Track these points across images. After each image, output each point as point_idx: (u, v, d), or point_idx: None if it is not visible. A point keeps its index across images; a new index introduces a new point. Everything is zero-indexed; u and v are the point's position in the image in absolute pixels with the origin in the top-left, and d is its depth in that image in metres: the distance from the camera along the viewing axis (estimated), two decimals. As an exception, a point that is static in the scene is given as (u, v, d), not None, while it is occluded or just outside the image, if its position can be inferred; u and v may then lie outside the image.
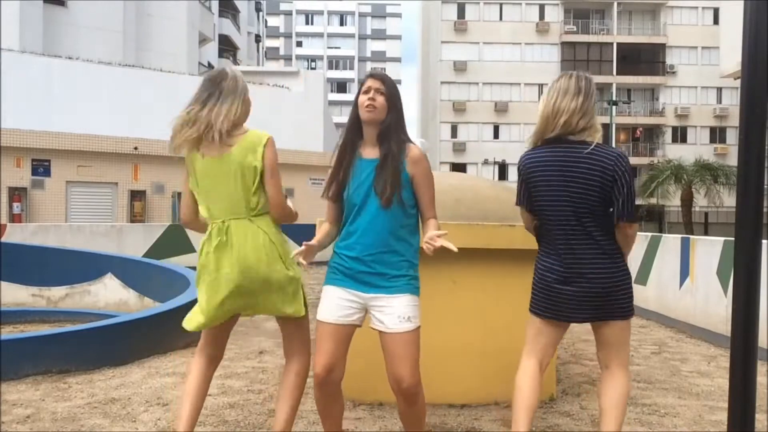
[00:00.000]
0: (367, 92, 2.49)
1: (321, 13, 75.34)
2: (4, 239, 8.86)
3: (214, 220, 2.60)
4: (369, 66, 74.69)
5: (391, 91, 2.50)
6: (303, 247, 2.46)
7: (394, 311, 2.42)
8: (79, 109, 16.40)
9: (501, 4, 44.41)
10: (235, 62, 36.45)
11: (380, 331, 2.46)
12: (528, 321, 2.62)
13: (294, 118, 18.99)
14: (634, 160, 43.07)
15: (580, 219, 2.45)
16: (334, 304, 2.49)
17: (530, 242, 2.77)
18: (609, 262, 2.47)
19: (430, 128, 46.77)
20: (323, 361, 2.44)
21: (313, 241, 2.53)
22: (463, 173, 4.61)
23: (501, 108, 43.09)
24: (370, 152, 2.53)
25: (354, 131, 2.55)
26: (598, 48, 43.78)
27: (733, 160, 32.85)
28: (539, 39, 43.99)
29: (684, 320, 6.46)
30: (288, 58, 71.74)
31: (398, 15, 77.11)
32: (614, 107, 34.03)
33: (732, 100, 42.30)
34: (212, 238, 2.57)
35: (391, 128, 2.49)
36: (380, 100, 2.47)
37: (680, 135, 43.81)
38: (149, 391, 3.92)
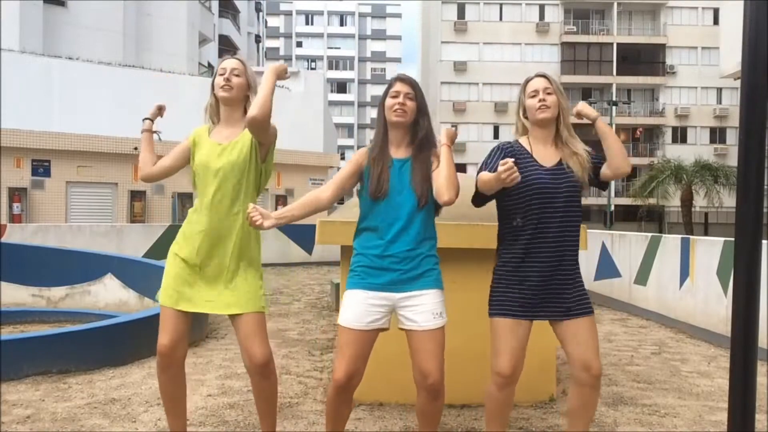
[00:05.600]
0: (396, 96, 2.52)
1: (321, 13, 75.27)
2: (4, 239, 8.86)
3: None
4: (369, 66, 74.71)
5: (419, 95, 2.56)
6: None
7: (426, 308, 2.44)
8: (79, 109, 16.38)
9: (501, 5, 44.40)
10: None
11: (409, 330, 2.46)
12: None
13: (294, 118, 18.96)
14: (634, 161, 43.02)
15: None
16: (362, 309, 2.46)
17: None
18: None
19: (430, 128, 46.72)
20: (346, 367, 2.44)
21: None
22: (463, 173, 4.58)
23: (501, 108, 43.05)
24: (396, 152, 2.57)
25: (383, 134, 2.58)
26: (598, 48, 43.77)
27: (733, 161, 32.85)
28: (539, 39, 43.98)
29: (684, 320, 6.46)
30: (288, 59, 71.67)
31: (398, 15, 77.01)
32: (614, 107, 34.05)
33: (732, 100, 42.29)
34: None
35: (427, 132, 2.56)
36: (411, 105, 2.52)
37: (680, 135, 43.81)
38: (149, 392, 3.92)
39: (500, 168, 2.26)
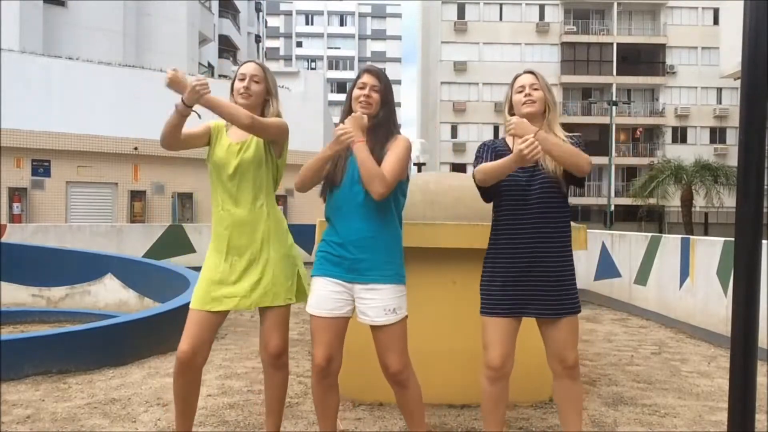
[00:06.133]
0: (362, 88, 2.57)
1: (321, 13, 75.26)
2: (4, 239, 8.86)
3: None
4: (369, 66, 74.53)
5: (385, 87, 2.59)
6: None
7: (378, 303, 2.49)
8: (79, 109, 16.37)
9: (501, 5, 44.39)
10: (235, 63, 36.43)
11: (368, 324, 2.54)
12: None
13: (294, 118, 18.86)
14: (634, 161, 43.11)
15: None
16: (324, 296, 2.54)
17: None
18: None
19: (430, 128, 46.76)
20: (322, 352, 2.51)
21: None
22: (463, 173, 4.58)
23: (501, 108, 42.38)
24: None
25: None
26: (598, 48, 43.76)
27: (733, 161, 32.85)
28: (539, 39, 43.97)
29: (684, 320, 6.46)
30: (288, 59, 71.67)
31: (398, 15, 77.00)
32: (614, 107, 34.04)
33: (732, 100, 42.29)
34: None
35: (382, 124, 2.58)
36: (375, 97, 2.56)
37: (680, 135, 43.80)
38: (149, 391, 3.92)
39: (521, 145, 2.28)
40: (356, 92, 2.58)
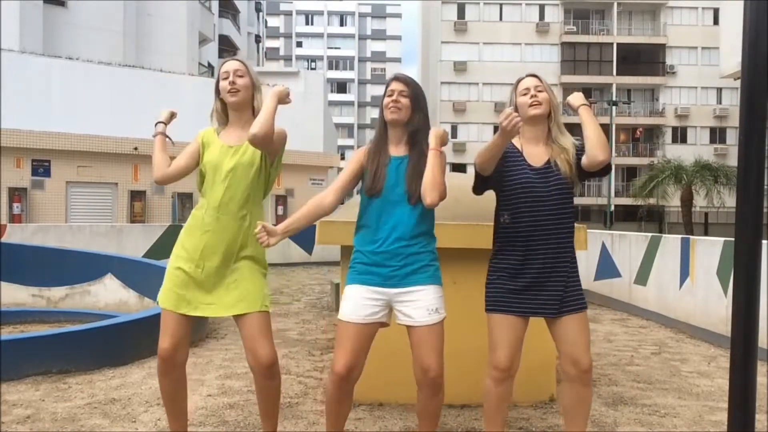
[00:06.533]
0: (390, 95, 2.57)
1: (321, 13, 75.26)
2: (4, 239, 8.85)
3: None
4: (369, 66, 74.72)
5: (415, 92, 2.59)
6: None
7: (422, 304, 2.48)
8: (79, 109, 16.37)
9: (501, 5, 44.40)
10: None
11: (407, 325, 2.51)
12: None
13: (294, 118, 18.97)
14: (634, 161, 43.13)
15: None
16: (359, 303, 2.50)
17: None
18: None
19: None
20: (345, 360, 2.48)
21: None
22: (463, 173, 4.59)
23: (501, 108, 42.83)
24: (395, 150, 2.61)
25: (382, 133, 2.63)
26: (598, 48, 43.77)
27: (733, 161, 32.84)
28: (539, 39, 43.97)
29: (684, 320, 6.46)
30: (288, 59, 71.67)
31: (398, 15, 76.99)
32: (614, 107, 34.05)
33: (732, 101, 42.29)
34: None
35: (421, 130, 2.58)
36: (404, 101, 2.56)
37: (680, 135, 43.81)
38: (149, 392, 3.92)
39: (500, 117, 2.33)
40: (386, 100, 2.58)
